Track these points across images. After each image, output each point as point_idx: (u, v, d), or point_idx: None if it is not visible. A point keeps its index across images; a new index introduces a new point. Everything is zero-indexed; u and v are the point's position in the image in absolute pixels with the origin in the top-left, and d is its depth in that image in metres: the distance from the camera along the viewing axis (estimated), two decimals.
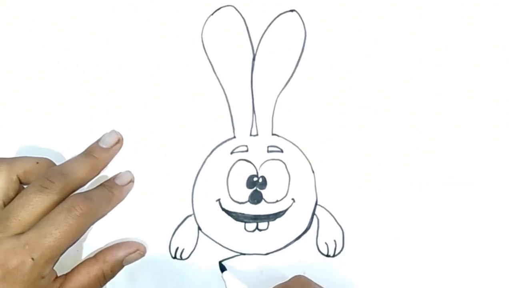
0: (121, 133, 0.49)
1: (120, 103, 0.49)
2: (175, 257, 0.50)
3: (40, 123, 0.49)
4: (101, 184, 0.48)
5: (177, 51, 0.49)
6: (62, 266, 0.46)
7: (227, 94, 0.49)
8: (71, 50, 0.49)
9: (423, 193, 0.50)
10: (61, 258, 0.45)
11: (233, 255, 0.50)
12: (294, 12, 0.49)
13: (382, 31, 0.49)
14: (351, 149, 0.50)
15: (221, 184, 0.50)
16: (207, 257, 0.50)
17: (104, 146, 0.48)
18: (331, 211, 0.50)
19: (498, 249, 0.50)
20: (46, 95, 0.49)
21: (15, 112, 0.49)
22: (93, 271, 0.46)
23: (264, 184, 0.50)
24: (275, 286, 0.46)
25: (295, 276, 0.47)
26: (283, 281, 0.46)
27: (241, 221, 0.50)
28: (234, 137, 0.50)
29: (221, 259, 0.50)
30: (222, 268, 0.49)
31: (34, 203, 0.44)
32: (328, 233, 0.50)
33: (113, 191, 0.48)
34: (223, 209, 0.50)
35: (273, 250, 0.51)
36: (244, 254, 0.51)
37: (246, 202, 0.50)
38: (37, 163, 0.47)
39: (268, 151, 0.50)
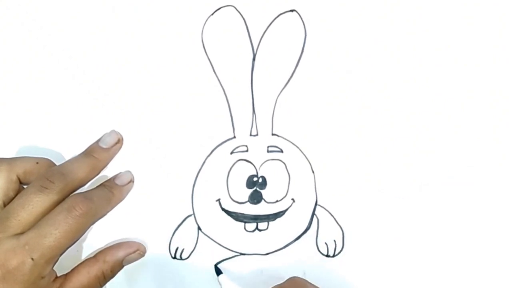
0: (121, 133, 0.49)
1: (120, 103, 0.49)
2: (175, 257, 0.50)
3: (40, 123, 0.49)
4: (101, 184, 0.48)
5: (177, 51, 0.49)
6: (62, 266, 0.46)
7: (227, 94, 0.49)
8: (71, 50, 0.49)
9: (423, 193, 0.50)
10: (61, 258, 0.45)
11: (233, 255, 0.50)
12: (294, 12, 0.48)
13: (382, 31, 0.49)
14: (351, 149, 0.50)
15: (221, 184, 0.50)
16: (207, 257, 0.50)
17: (104, 146, 0.48)
18: (331, 211, 0.50)
19: (498, 249, 0.50)
20: (46, 95, 0.49)
21: (15, 112, 0.49)
22: (93, 271, 0.46)
23: (264, 184, 0.50)
24: None
25: (291, 278, 0.47)
26: (281, 282, 0.46)
27: (241, 221, 0.50)
28: (234, 137, 0.50)
29: (221, 259, 0.50)
30: (218, 272, 0.50)
31: (34, 203, 0.44)
32: (328, 233, 0.50)
33: (113, 191, 0.48)
34: (223, 209, 0.50)
35: (273, 250, 0.51)
36: (244, 254, 0.51)
37: (246, 202, 0.50)
38: (37, 163, 0.47)
39: (268, 151, 0.50)
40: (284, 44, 0.49)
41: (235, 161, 0.50)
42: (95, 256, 0.47)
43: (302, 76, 0.49)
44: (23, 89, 0.49)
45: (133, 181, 0.49)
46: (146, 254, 0.49)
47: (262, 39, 0.49)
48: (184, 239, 0.50)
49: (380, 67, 0.49)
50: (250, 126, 0.50)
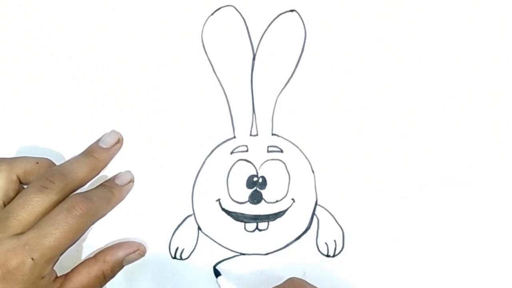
0: (121, 133, 0.49)
1: (120, 103, 0.49)
2: (175, 257, 0.50)
3: (40, 123, 0.49)
4: (101, 184, 0.48)
5: (177, 51, 0.49)
6: (62, 266, 0.46)
7: (227, 94, 0.49)
8: (71, 50, 0.49)
9: (423, 193, 0.50)
10: (61, 258, 0.45)
11: (233, 255, 0.50)
12: (294, 12, 0.48)
13: (382, 31, 0.49)
14: (351, 149, 0.50)
15: (221, 184, 0.50)
16: (207, 257, 0.50)
17: (104, 146, 0.48)
18: (331, 211, 0.50)
19: (498, 249, 0.50)
20: (46, 95, 0.49)
21: (15, 112, 0.49)
22: (93, 271, 0.46)
23: (264, 184, 0.50)
24: None
25: (289, 279, 0.47)
26: (280, 283, 0.46)
27: (241, 221, 0.50)
28: (234, 137, 0.50)
29: (221, 259, 0.50)
30: (217, 273, 0.50)
31: (34, 203, 0.44)
32: (328, 233, 0.50)
33: (113, 191, 0.48)
34: (223, 209, 0.50)
35: (273, 250, 0.51)
36: (244, 254, 0.51)
37: (246, 202, 0.50)
38: (37, 163, 0.47)
39: (268, 151, 0.50)
40: (284, 44, 0.49)
41: (235, 161, 0.50)
42: (95, 256, 0.47)
43: (302, 76, 0.49)
44: (23, 89, 0.49)
45: (133, 181, 0.49)
46: (146, 254, 0.49)
47: (262, 39, 0.49)
48: (184, 239, 0.50)
49: (380, 67, 0.49)
50: (250, 126, 0.50)
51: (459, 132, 0.49)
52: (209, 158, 0.50)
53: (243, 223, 0.50)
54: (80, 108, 0.49)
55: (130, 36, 0.49)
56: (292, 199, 0.50)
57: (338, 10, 0.48)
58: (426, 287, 0.50)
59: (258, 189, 0.50)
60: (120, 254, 0.48)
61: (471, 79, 0.49)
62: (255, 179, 0.50)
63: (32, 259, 0.42)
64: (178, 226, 0.50)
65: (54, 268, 0.45)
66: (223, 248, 0.50)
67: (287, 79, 0.49)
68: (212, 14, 0.48)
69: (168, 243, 0.50)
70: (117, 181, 0.48)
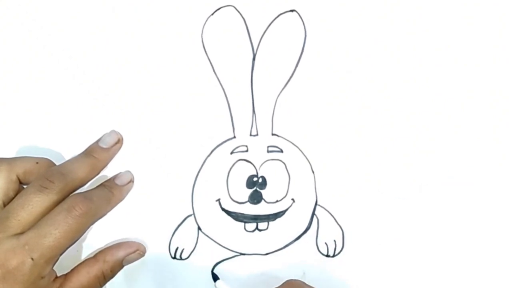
0: (121, 133, 0.49)
1: (120, 103, 0.49)
2: (175, 257, 0.50)
3: (40, 123, 0.49)
4: (101, 184, 0.48)
5: (177, 51, 0.49)
6: (62, 266, 0.46)
7: (227, 94, 0.49)
8: (71, 50, 0.49)
9: (423, 193, 0.50)
10: (61, 258, 0.45)
11: (233, 255, 0.50)
12: (294, 12, 0.48)
13: (382, 31, 0.49)
14: (351, 149, 0.50)
15: (221, 184, 0.50)
16: (207, 257, 0.50)
17: (104, 146, 0.48)
18: (331, 211, 0.50)
19: (498, 249, 0.50)
20: (46, 95, 0.49)
21: (15, 112, 0.49)
22: (93, 271, 0.46)
23: (264, 184, 0.50)
24: None
25: (288, 280, 0.47)
26: (279, 284, 0.46)
27: (241, 221, 0.50)
28: (234, 137, 0.50)
29: (221, 259, 0.50)
30: (215, 277, 0.50)
31: (34, 203, 0.44)
32: (328, 233, 0.50)
33: (113, 191, 0.48)
34: (223, 209, 0.50)
35: (273, 250, 0.51)
36: (244, 254, 0.51)
37: (246, 202, 0.50)
38: (37, 163, 0.47)
39: (268, 151, 0.50)
40: (284, 44, 0.49)
41: (235, 161, 0.50)
42: (95, 256, 0.47)
43: (302, 76, 0.49)
44: (23, 89, 0.49)
45: (133, 181, 0.49)
46: (146, 254, 0.49)
47: (262, 39, 0.49)
48: (184, 239, 0.50)
49: (380, 67, 0.49)
50: (250, 126, 0.50)
51: (459, 132, 0.49)
52: (209, 158, 0.50)
53: (243, 223, 0.50)
54: (80, 108, 0.49)
55: (130, 36, 0.49)
56: (292, 199, 0.50)
57: (338, 10, 0.48)
58: (426, 287, 0.50)
59: (258, 189, 0.50)
60: (120, 254, 0.48)
61: (471, 79, 0.49)
62: (255, 179, 0.50)
63: (32, 259, 0.42)
64: (178, 226, 0.50)
65: (54, 268, 0.45)
66: (223, 248, 0.50)
67: (287, 79, 0.49)
68: (212, 14, 0.48)
69: (168, 243, 0.50)
70: (117, 181, 0.48)
